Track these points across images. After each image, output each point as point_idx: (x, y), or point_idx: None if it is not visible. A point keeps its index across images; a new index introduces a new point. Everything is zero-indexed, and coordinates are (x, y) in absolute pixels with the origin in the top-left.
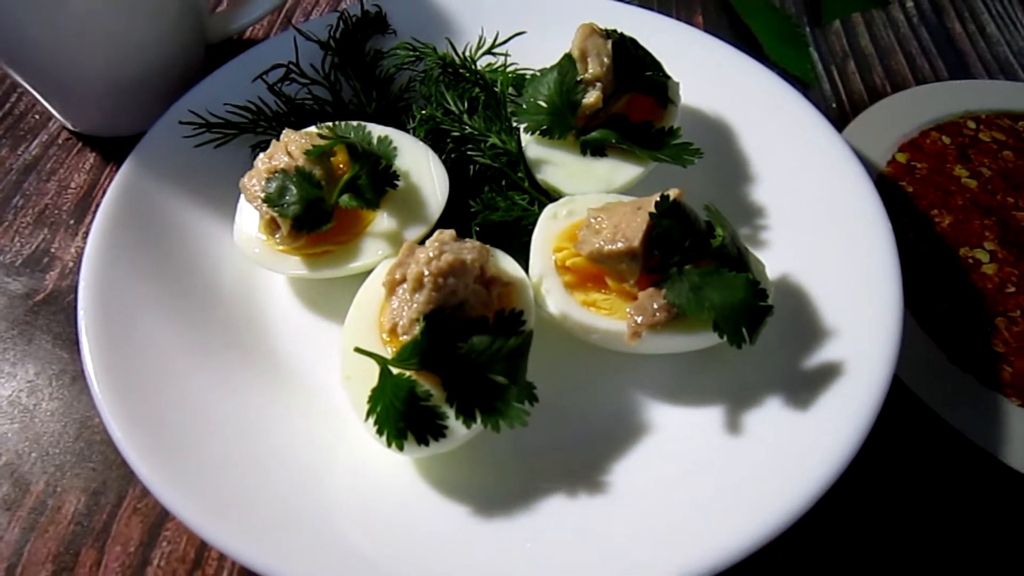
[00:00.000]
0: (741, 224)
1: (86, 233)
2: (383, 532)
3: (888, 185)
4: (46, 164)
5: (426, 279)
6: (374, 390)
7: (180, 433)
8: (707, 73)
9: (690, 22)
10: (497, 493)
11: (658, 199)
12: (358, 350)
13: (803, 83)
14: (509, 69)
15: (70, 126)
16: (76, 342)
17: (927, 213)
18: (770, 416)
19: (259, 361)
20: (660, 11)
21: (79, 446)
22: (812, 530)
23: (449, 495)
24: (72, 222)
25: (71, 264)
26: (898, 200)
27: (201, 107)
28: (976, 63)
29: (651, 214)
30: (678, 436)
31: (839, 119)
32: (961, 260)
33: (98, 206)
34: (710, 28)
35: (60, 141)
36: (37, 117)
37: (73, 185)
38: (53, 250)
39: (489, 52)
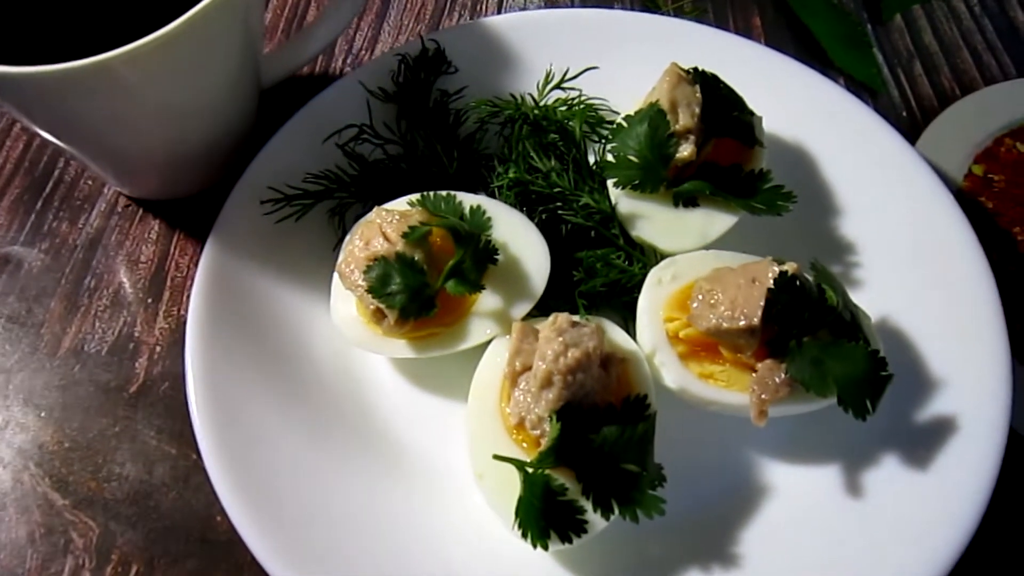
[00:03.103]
0: (826, 262)
1: (167, 313)
2: None
3: (967, 201)
4: (111, 237)
5: (555, 378)
6: (520, 499)
7: (311, 531)
8: (774, 93)
9: (748, 26)
10: (627, 572)
11: (775, 274)
12: (497, 457)
13: (870, 90)
14: (578, 99)
15: (127, 193)
16: (181, 435)
17: (1009, 231)
18: (888, 477)
19: (373, 443)
20: (716, 22)
21: (206, 548)
22: None
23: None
24: (150, 301)
25: (158, 348)
26: (979, 218)
27: (270, 173)
28: None
29: (770, 290)
30: (797, 499)
31: (910, 129)
32: None
33: (172, 280)
34: (769, 31)
35: (120, 209)
36: (91, 183)
37: (143, 259)
38: (136, 334)
39: (559, 87)
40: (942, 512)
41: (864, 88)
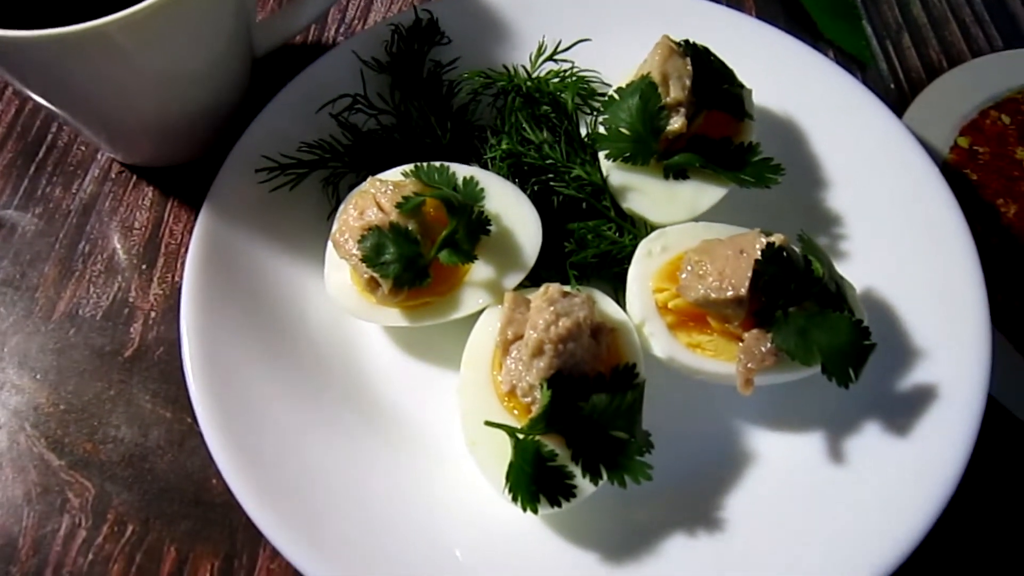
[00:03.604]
0: (813, 233)
1: (161, 279)
2: None
3: (952, 174)
4: (104, 203)
5: (546, 347)
6: (511, 464)
7: (305, 495)
8: (764, 66)
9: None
10: (616, 537)
11: (762, 246)
12: (489, 424)
13: (859, 63)
14: (570, 70)
15: (120, 159)
16: (176, 400)
17: (993, 203)
18: (869, 444)
19: (366, 410)
20: None
21: (201, 510)
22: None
23: (571, 540)
24: (144, 267)
25: (153, 314)
26: (964, 190)
27: (264, 141)
28: None
29: (757, 261)
30: (782, 466)
31: (898, 101)
32: None
33: (167, 246)
34: (759, 2)
35: (113, 175)
36: (84, 149)
37: (137, 225)
38: (131, 300)
39: (551, 59)
40: (921, 477)
41: (853, 60)
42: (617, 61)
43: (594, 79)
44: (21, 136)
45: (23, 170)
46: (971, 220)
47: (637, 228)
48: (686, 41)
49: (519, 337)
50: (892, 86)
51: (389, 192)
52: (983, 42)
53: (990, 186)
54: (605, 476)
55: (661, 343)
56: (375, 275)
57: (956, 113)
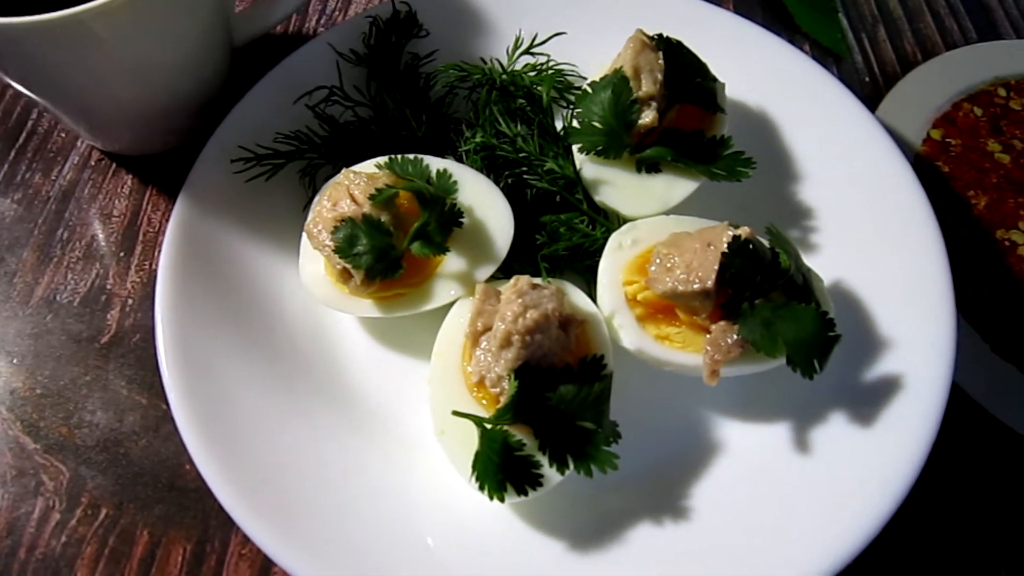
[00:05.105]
0: (783, 226)
1: (139, 266)
2: (478, 565)
3: (924, 166)
4: (83, 190)
5: (514, 338)
6: (477, 453)
7: (276, 481)
8: (738, 60)
9: None
10: (583, 524)
11: (728, 239)
12: (456, 413)
13: (835, 56)
14: (546, 64)
15: (99, 147)
16: (151, 386)
17: (963, 195)
18: (834, 434)
19: (338, 398)
20: None
21: (174, 494)
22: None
23: (539, 527)
24: (122, 254)
25: (130, 301)
26: (935, 182)
27: (241, 131)
28: (1003, 21)
29: (724, 254)
30: (748, 455)
31: (872, 94)
32: (999, 243)
33: (144, 234)
34: None
35: (93, 163)
36: (64, 135)
37: (116, 213)
38: (109, 287)
39: (528, 52)
40: (884, 466)
41: (829, 53)
42: (594, 54)
43: (571, 72)
44: (1, 121)
45: (2, 155)
46: (942, 212)
47: (609, 221)
48: (659, 35)
49: (488, 328)
50: (867, 79)
51: (362, 184)
52: (957, 35)
53: (962, 178)
54: (572, 466)
55: (630, 335)
56: (348, 266)
57: (930, 106)
